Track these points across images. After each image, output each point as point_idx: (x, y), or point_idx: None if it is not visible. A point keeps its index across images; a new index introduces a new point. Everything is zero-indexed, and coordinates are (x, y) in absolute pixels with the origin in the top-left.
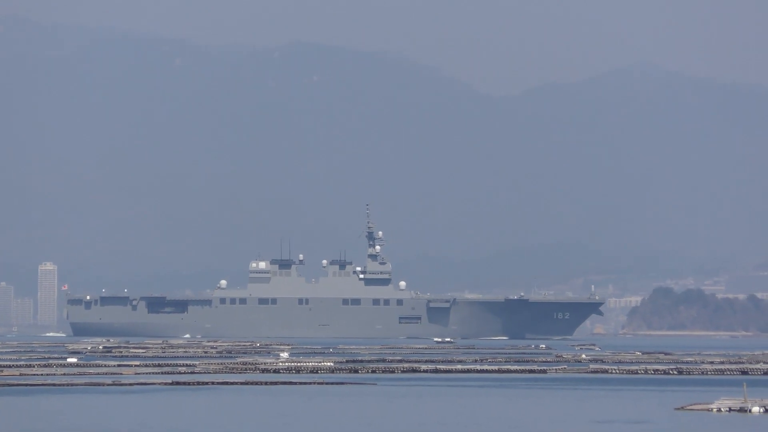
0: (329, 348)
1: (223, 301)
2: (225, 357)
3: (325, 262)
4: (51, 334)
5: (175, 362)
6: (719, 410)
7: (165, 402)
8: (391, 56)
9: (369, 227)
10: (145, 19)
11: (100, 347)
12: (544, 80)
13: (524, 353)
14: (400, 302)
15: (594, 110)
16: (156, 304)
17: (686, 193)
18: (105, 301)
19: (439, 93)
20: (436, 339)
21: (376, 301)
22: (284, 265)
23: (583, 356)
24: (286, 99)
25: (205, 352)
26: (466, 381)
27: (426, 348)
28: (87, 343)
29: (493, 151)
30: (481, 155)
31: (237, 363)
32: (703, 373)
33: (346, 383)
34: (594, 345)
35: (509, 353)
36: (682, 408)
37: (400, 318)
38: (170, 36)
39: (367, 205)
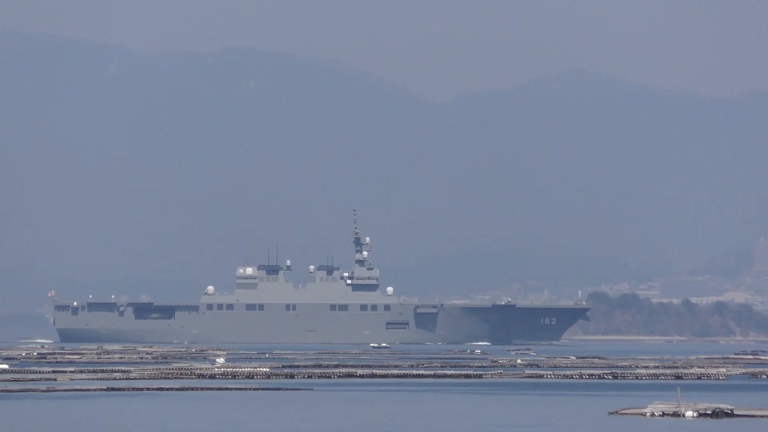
0: (265, 353)
1: (210, 307)
2: (160, 363)
3: (312, 267)
4: (41, 340)
5: (110, 368)
6: (653, 414)
7: (98, 409)
8: (327, 61)
9: (356, 233)
10: (80, 24)
11: (35, 353)
12: (478, 86)
13: (461, 358)
14: (387, 308)
15: (527, 116)
16: (143, 310)
17: (621, 199)
18: (92, 307)
19: (373, 98)
20: (372, 344)
21: (363, 307)
22: (271, 270)
23: (519, 361)
24: (222, 104)
25: (141, 358)
26: (401, 386)
27: (363, 353)
28: (21, 349)
29: (427, 157)
30: (415, 161)
31: (172, 369)
32: (637, 377)
33: (282, 389)
34: (529, 350)
35: (446, 358)
36: (616, 412)
37: (388, 323)
38: (105, 42)
39: (354, 210)
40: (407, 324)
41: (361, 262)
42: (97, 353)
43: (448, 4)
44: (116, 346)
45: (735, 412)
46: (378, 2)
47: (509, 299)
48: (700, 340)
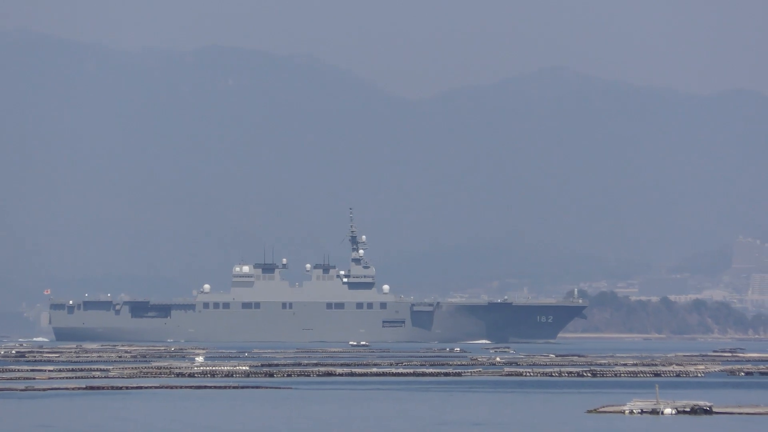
0: (245, 352)
1: (206, 305)
2: (139, 361)
3: (308, 266)
4: (37, 338)
5: (89, 367)
6: (632, 412)
7: (77, 407)
8: (306, 59)
9: (352, 231)
10: (58, 22)
11: (13, 351)
12: (456, 83)
13: (440, 356)
14: (383, 306)
15: (508, 113)
16: (139, 309)
17: (600, 198)
18: (88, 305)
19: (352, 96)
20: (351, 342)
21: (359, 305)
22: (268, 269)
23: (498, 359)
24: (201, 103)
25: (120, 357)
26: (380, 384)
27: (342, 351)
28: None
29: (407, 154)
30: (394, 158)
31: (151, 367)
32: (616, 375)
33: (261, 387)
34: (508, 348)
35: (425, 356)
36: (595, 410)
37: (384, 322)
38: (83, 40)
39: (351, 209)
40: (403, 322)
41: (357, 261)
42: (75, 352)
43: (426, 3)
44: (95, 345)
45: (713, 410)
46: (356, 0)
47: (506, 297)
48: (679, 338)
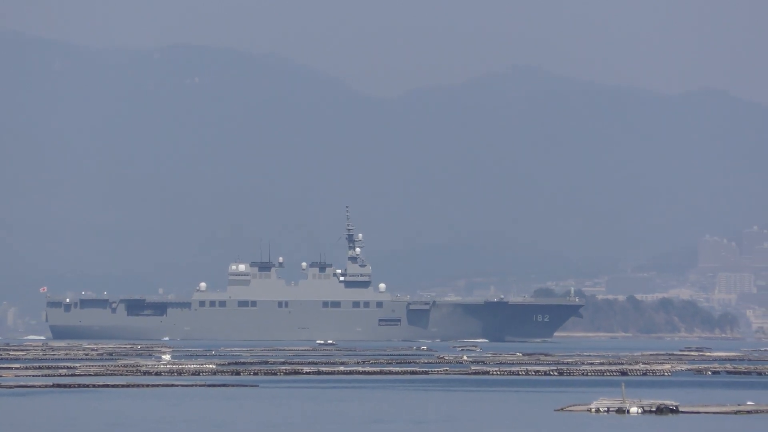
0: (212, 350)
1: (202, 303)
2: (106, 359)
3: (304, 264)
4: (32, 337)
5: (56, 364)
6: (598, 411)
7: (43, 405)
8: (272, 58)
9: (348, 230)
10: (24, 19)
11: None
12: (425, 82)
13: (407, 355)
14: (380, 304)
15: (478, 112)
16: (135, 307)
17: (566, 196)
18: (84, 303)
19: (318, 94)
20: (318, 341)
21: (356, 304)
22: (264, 267)
23: (465, 357)
24: (167, 101)
25: (86, 355)
26: (347, 383)
27: (309, 350)
28: None
29: (373, 153)
30: (361, 157)
31: (118, 365)
32: (583, 374)
33: (228, 385)
34: (476, 346)
35: (392, 355)
36: (562, 409)
37: (380, 320)
38: (49, 37)
39: (347, 207)
40: (399, 321)
41: (353, 259)
42: (42, 349)
43: (396, 1)
44: (61, 342)
45: (679, 409)
46: None
47: (502, 296)
48: (646, 337)
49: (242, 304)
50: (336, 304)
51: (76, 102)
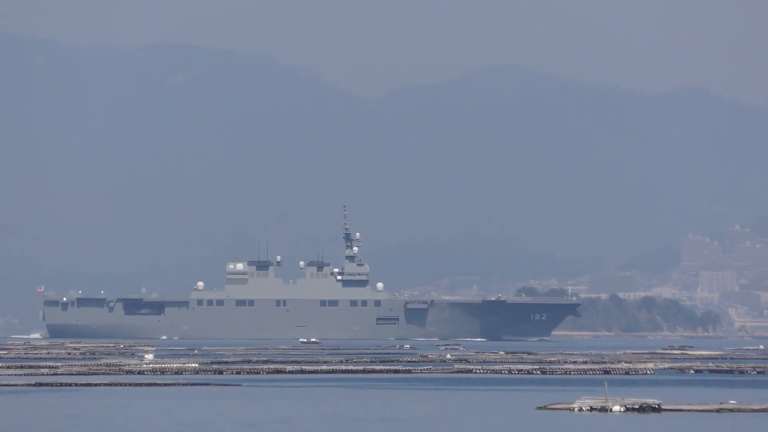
0: (194, 349)
1: (200, 302)
2: (88, 359)
3: (302, 263)
4: (31, 335)
5: (37, 363)
6: (580, 409)
7: (25, 404)
8: (256, 57)
9: (346, 229)
10: (6, 16)
11: None
12: (411, 80)
13: (390, 353)
14: (377, 303)
15: (458, 111)
16: (133, 306)
17: (549, 195)
18: (81, 302)
19: (302, 93)
20: (301, 339)
21: (353, 303)
22: (262, 266)
23: (448, 356)
24: (150, 99)
25: (69, 354)
26: (331, 381)
27: (292, 349)
28: None
29: (358, 152)
30: (346, 156)
31: (100, 364)
32: (565, 372)
33: (210, 384)
34: (459, 345)
35: (375, 353)
36: (544, 407)
37: (378, 319)
38: (32, 35)
39: (344, 206)
40: (397, 319)
41: (351, 258)
42: (24, 348)
43: (376, 1)
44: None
45: (662, 407)
46: None
47: (499, 295)
48: (628, 336)
49: (240, 303)
50: (334, 303)
51: (59, 100)
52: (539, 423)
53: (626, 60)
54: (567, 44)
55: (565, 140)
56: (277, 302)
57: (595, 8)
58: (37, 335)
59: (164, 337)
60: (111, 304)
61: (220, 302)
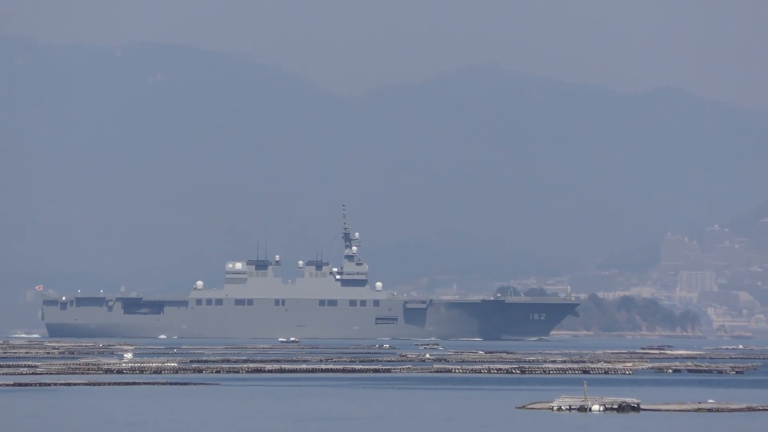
0: (173, 348)
1: (199, 302)
2: (67, 358)
3: (301, 262)
4: (30, 334)
5: (16, 363)
6: (560, 409)
7: (2, 404)
8: (235, 56)
9: (345, 228)
10: None
11: None
12: (390, 80)
13: (369, 353)
14: (376, 303)
15: (436, 111)
16: (132, 305)
17: (527, 194)
18: (80, 301)
19: (281, 92)
20: (280, 339)
21: (352, 302)
22: (260, 265)
23: (427, 356)
24: (131, 98)
25: (48, 353)
26: (310, 381)
27: (271, 348)
28: None
29: (336, 151)
30: (324, 155)
31: (79, 364)
32: (545, 372)
33: (190, 383)
34: (438, 344)
35: (355, 353)
36: (524, 407)
37: (377, 319)
38: (9, 34)
39: (344, 206)
40: (396, 319)
41: (350, 258)
42: (2, 348)
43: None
44: (22, 340)
45: (641, 407)
46: None
47: (498, 295)
48: (607, 335)
49: (239, 302)
50: (333, 303)
51: (40, 100)
52: (519, 422)
53: (606, 60)
54: (547, 43)
55: (545, 140)
56: (276, 302)
57: (575, 8)
58: (36, 335)
59: (163, 337)
60: (110, 304)
61: (219, 302)
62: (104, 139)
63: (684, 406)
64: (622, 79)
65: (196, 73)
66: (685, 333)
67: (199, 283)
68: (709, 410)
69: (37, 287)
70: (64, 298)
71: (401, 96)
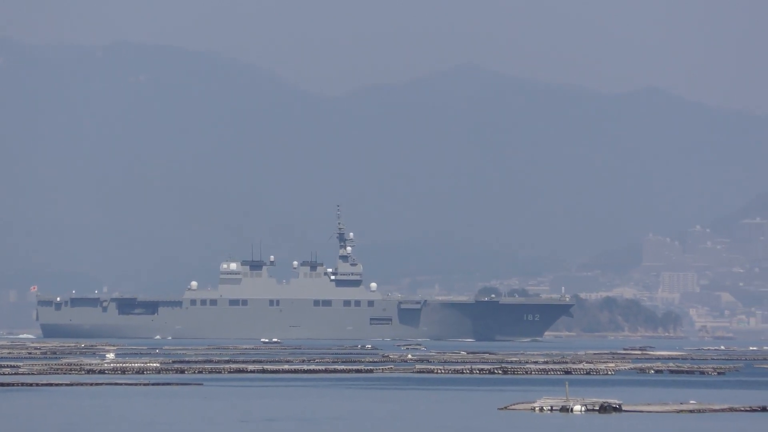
0: (156, 349)
1: (193, 302)
2: (49, 358)
3: (296, 263)
4: (23, 335)
5: None
6: (542, 409)
7: None
8: (218, 55)
9: (340, 228)
10: None
11: None
12: (371, 80)
13: (352, 353)
14: (371, 303)
15: (418, 111)
16: (126, 306)
17: (511, 194)
18: (75, 302)
19: (265, 92)
20: (263, 339)
21: (347, 303)
22: (255, 266)
23: (410, 356)
24: (112, 98)
25: (30, 353)
26: (292, 381)
27: (254, 348)
28: None
29: (319, 151)
30: (307, 155)
31: (61, 364)
32: (527, 372)
33: (172, 384)
34: (420, 345)
35: (337, 353)
36: (506, 407)
37: (371, 319)
38: None
39: (338, 206)
40: (390, 320)
41: (344, 258)
42: None
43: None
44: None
45: (623, 407)
46: None
47: (492, 295)
48: (589, 336)
49: (233, 302)
50: (327, 303)
51: (21, 100)
52: (501, 423)
53: (588, 60)
54: (528, 44)
55: (527, 140)
56: (271, 302)
57: (557, 10)
58: (31, 335)
59: (158, 337)
60: (105, 304)
61: (213, 302)
62: (93, 139)
63: (666, 407)
64: (605, 80)
65: (181, 73)
66: (667, 334)
67: (194, 284)
68: (691, 411)
69: (31, 288)
70: (58, 299)
71: (383, 96)
